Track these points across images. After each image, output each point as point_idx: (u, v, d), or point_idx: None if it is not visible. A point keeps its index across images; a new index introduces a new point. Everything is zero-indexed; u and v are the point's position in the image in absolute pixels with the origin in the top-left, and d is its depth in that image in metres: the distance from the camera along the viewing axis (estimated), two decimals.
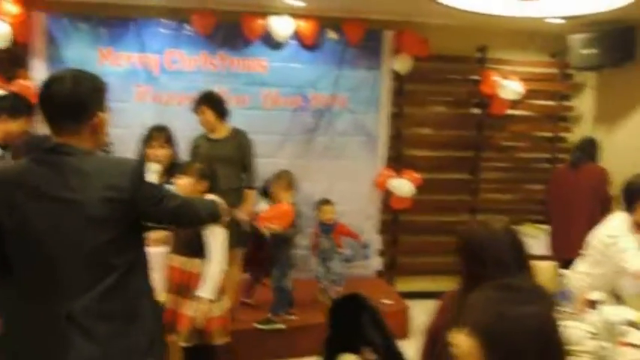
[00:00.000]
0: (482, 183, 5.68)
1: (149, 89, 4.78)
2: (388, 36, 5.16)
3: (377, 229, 5.41)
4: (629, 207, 3.22)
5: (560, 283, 3.27)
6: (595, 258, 3.34)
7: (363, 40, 5.08)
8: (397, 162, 5.36)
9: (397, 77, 5.28)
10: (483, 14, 4.54)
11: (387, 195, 5.29)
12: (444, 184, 5.59)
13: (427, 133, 5.56)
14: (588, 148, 4.72)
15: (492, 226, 1.97)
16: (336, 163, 5.19)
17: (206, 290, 2.93)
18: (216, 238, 2.98)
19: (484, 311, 1.36)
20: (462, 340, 1.36)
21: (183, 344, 3.01)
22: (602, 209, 4.03)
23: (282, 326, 4.22)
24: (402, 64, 5.17)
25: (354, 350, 2.69)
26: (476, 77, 5.49)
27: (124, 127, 4.34)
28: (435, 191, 5.48)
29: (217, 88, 4.39)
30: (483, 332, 1.33)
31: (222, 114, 4.15)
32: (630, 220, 3.21)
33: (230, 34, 4.90)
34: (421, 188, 5.29)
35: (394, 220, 5.48)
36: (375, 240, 5.37)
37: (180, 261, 3.06)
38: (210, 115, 4.10)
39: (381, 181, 5.23)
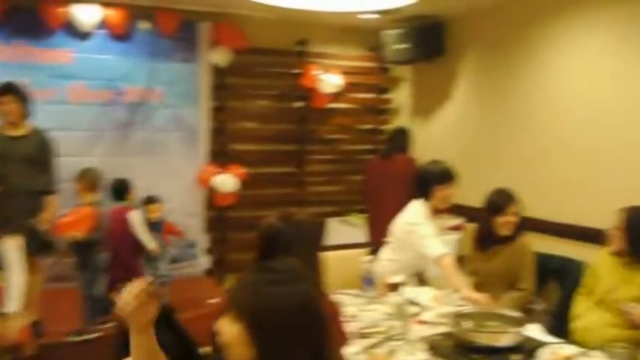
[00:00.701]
0: (308, 176, 5.75)
1: None
2: (204, 28, 5.03)
3: (203, 226, 5.27)
4: (425, 194, 3.40)
5: (366, 269, 3.35)
6: (397, 245, 3.49)
7: (179, 32, 4.90)
8: (221, 157, 5.25)
9: (217, 70, 5.17)
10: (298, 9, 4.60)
11: (212, 191, 5.17)
12: (271, 178, 5.58)
13: (251, 127, 5.52)
14: (399, 139, 4.96)
15: (289, 218, 2.06)
16: (156, 160, 4.96)
17: (13, 304, 2.75)
18: (10, 248, 2.81)
19: (246, 293, 1.35)
20: (227, 327, 1.34)
21: None
22: (410, 198, 4.22)
23: (92, 336, 3.93)
24: (221, 56, 5.06)
25: None
26: (297, 71, 5.54)
27: None
28: (261, 186, 5.46)
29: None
30: (246, 314, 1.31)
31: (28, 108, 3.80)
32: (428, 206, 3.39)
33: (27, 22, 4.47)
34: (247, 183, 5.24)
35: (220, 216, 5.37)
36: (201, 238, 5.24)
37: None
38: (16, 107, 3.74)
39: (205, 178, 5.09)
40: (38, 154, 3.89)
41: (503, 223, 3.21)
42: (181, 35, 4.94)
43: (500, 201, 3.25)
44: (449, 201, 3.42)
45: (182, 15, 4.90)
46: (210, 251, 5.31)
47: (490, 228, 3.26)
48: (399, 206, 3.74)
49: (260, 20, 5.17)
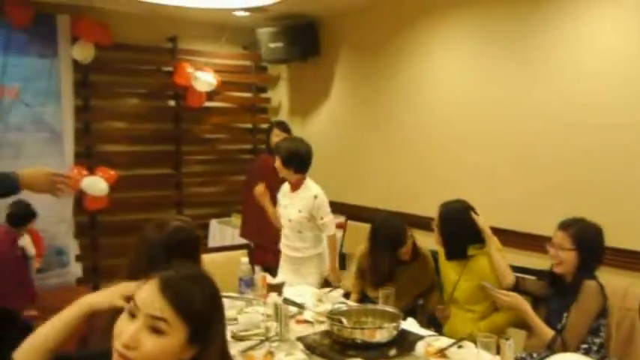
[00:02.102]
0: (185, 177, 5.55)
1: None
2: (63, 21, 4.67)
3: (73, 232, 4.92)
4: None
5: (243, 270, 3.27)
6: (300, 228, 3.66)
7: (34, 25, 4.51)
8: (88, 159, 4.92)
9: (80, 67, 4.83)
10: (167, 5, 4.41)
11: (81, 195, 4.81)
12: (146, 180, 5.32)
13: (121, 126, 5.22)
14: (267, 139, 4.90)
15: (162, 227, 2.02)
16: (15, 163, 4.49)
17: None
18: None
19: (190, 297, 1.23)
20: (151, 339, 1.19)
21: None
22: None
23: None
24: (82, 52, 4.73)
25: None
26: (168, 68, 5.32)
27: None
28: (135, 188, 5.19)
29: None
30: (195, 315, 1.22)
31: None
32: None
33: None
34: (119, 186, 4.94)
35: (91, 221, 5.04)
36: (71, 245, 4.90)
37: None
38: None
39: (72, 181, 4.72)
40: None
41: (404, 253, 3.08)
42: (37, 28, 4.55)
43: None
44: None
45: (37, 7, 4.51)
46: (81, 258, 4.96)
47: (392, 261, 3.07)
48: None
49: (126, 15, 4.90)
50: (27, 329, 2.47)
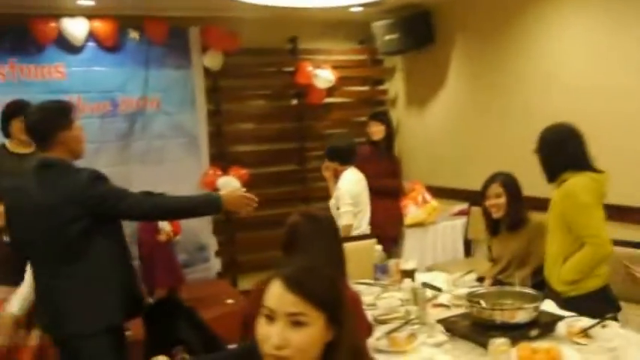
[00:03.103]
0: (309, 172, 5.75)
1: None
2: (194, 32, 5.03)
3: (211, 229, 5.28)
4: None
5: (377, 257, 3.39)
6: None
7: (169, 39, 4.90)
8: (221, 160, 5.26)
9: (210, 74, 5.18)
10: (286, 7, 4.62)
11: None
12: (273, 178, 5.59)
13: (249, 127, 5.53)
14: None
15: (308, 214, 2.18)
16: (158, 168, 4.95)
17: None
18: None
19: (322, 284, 1.32)
20: (296, 333, 1.27)
21: None
22: None
23: None
24: (213, 60, 5.07)
25: (168, 352, 2.60)
26: (290, 69, 5.55)
27: None
28: (264, 185, 5.45)
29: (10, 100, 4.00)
30: (329, 303, 1.30)
31: None
32: None
33: (20, 39, 4.47)
34: (250, 184, 5.21)
35: (227, 219, 5.38)
36: (211, 241, 5.26)
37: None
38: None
39: (208, 181, 5.08)
40: None
41: (490, 207, 3.14)
42: (172, 42, 4.94)
43: (483, 186, 3.21)
44: None
45: (171, 22, 4.90)
46: (219, 253, 5.33)
47: (486, 213, 3.21)
48: None
49: (249, 21, 5.17)
50: (191, 315, 2.75)
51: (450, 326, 2.39)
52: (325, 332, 1.29)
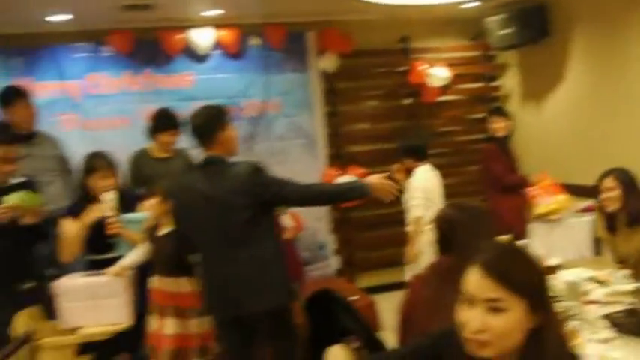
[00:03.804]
0: None
1: (73, 116, 4.60)
2: (311, 37, 5.17)
3: (330, 228, 5.38)
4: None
5: None
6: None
7: (287, 44, 5.06)
8: (339, 160, 5.35)
9: (327, 76, 5.28)
10: (401, 5, 4.64)
11: None
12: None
13: (364, 128, 5.58)
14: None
15: (463, 207, 2.18)
16: (279, 169, 4.99)
17: None
18: None
19: (521, 267, 1.31)
20: (494, 318, 1.26)
21: None
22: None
23: None
24: (329, 62, 5.18)
25: (335, 342, 2.66)
26: (403, 68, 5.55)
27: None
28: None
29: (145, 108, 4.29)
30: (529, 286, 1.28)
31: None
32: None
33: (151, 51, 4.78)
34: None
35: (346, 217, 5.46)
36: (329, 239, 5.37)
37: (162, 282, 3.02)
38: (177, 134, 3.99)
39: (327, 181, 5.18)
40: None
41: (603, 200, 3.09)
42: (290, 47, 5.09)
43: (597, 181, 3.14)
44: None
45: (289, 27, 5.05)
46: (338, 251, 5.41)
47: (601, 209, 3.15)
48: None
49: (362, 23, 5.23)
50: (348, 305, 2.80)
51: (617, 322, 2.30)
52: (527, 318, 1.27)
